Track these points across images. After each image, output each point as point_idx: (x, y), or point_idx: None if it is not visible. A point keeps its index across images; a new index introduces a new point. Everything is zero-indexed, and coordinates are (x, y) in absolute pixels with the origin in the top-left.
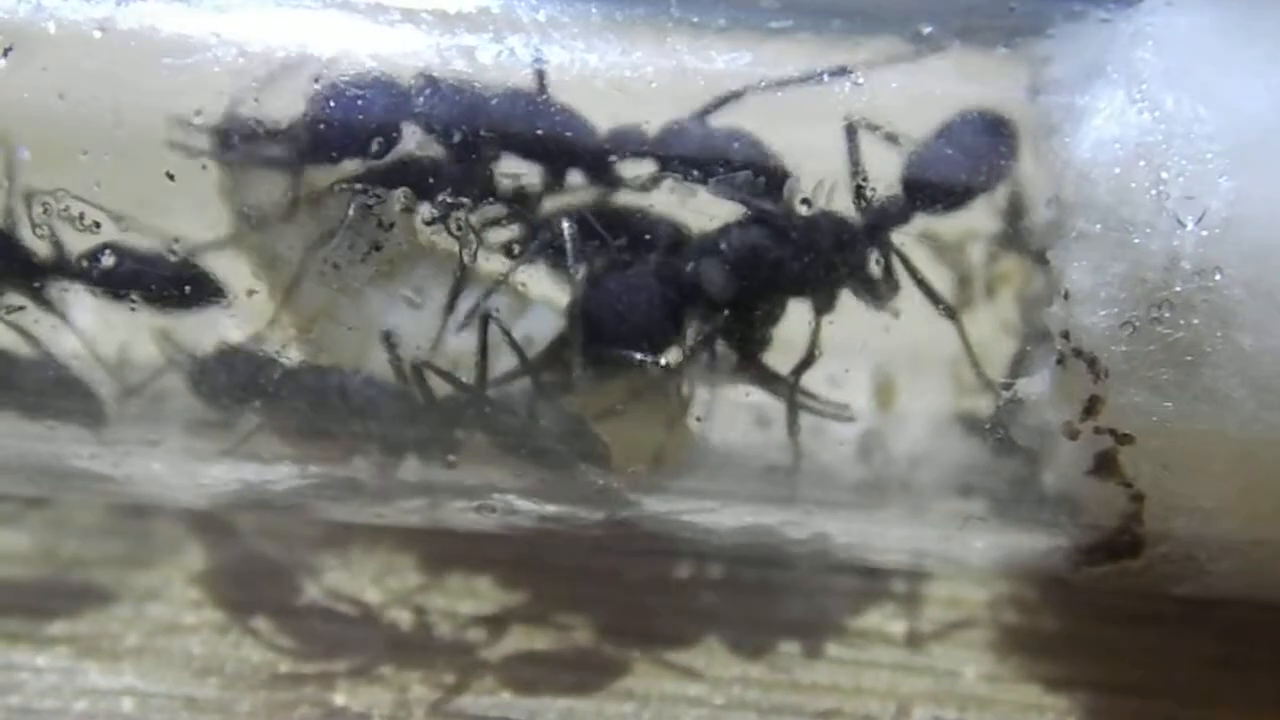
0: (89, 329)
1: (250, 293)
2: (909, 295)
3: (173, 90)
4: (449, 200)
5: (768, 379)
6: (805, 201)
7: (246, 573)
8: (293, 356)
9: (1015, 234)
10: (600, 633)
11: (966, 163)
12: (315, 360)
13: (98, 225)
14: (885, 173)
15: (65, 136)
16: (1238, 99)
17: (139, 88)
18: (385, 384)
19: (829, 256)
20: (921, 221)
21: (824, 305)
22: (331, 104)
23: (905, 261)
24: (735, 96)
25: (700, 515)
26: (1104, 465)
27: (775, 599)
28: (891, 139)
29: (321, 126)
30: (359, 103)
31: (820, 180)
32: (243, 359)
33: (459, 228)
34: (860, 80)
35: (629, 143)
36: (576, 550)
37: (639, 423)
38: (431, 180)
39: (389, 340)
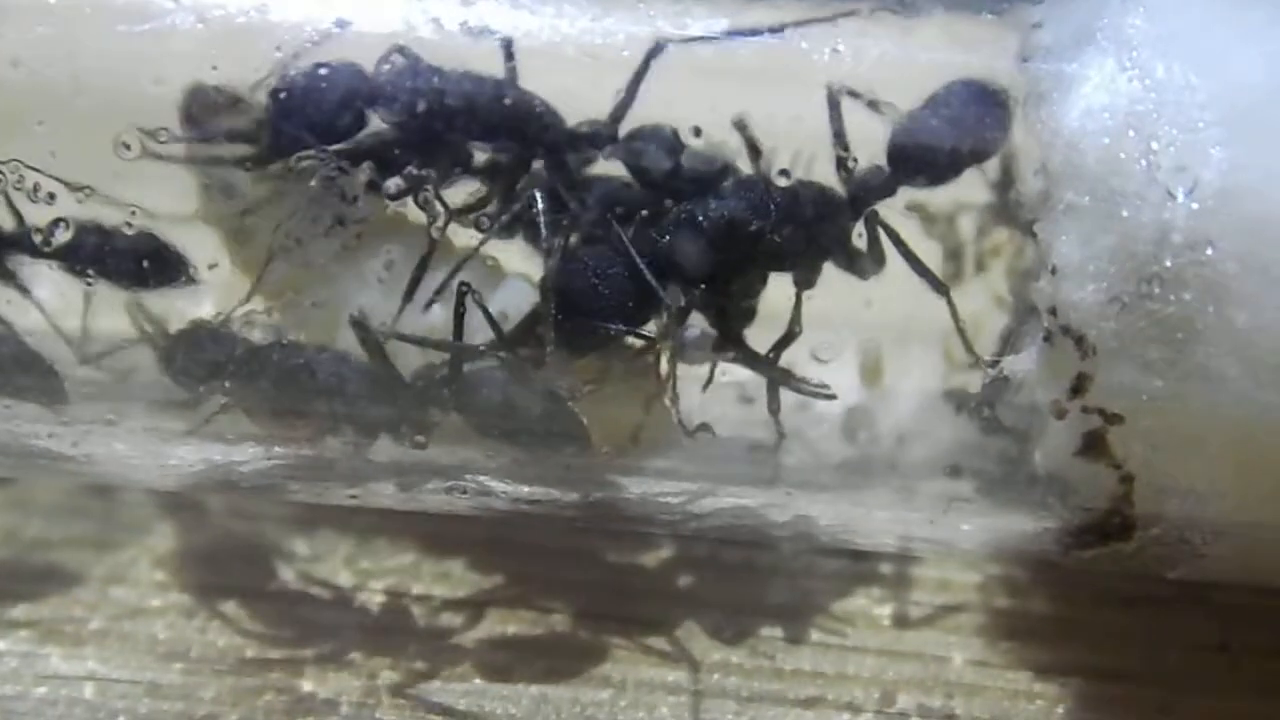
0: (47, 303)
1: (211, 266)
2: (893, 269)
3: (130, 57)
4: (413, 173)
5: (748, 356)
6: (783, 173)
7: (215, 555)
8: (260, 334)
9: (1004, 206)
10: (576, 617)
11: (954, 135)
12: (283, 338)
13: (52, 197)
14: (870, 143)
15: (20, 105)
16: (1231, 66)
17: (96, 54)
18: (356, 362)
19: (809, 229)
20: (908, 193)
21: (805, 280)
22: (297, 78)
23: (891, 234)
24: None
25: (679, 497)
26: (1092, 445)
27: (759, 581)
28: (875, 107)
29: (285, 100)
30: (325, 77)
31: (798, 151)
32: (209, 336)
33: (425, 202)
34: (840, 47)
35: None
36: (553, 532)
37: (616, 401)
38: (397, 154)
39: (360, 317)
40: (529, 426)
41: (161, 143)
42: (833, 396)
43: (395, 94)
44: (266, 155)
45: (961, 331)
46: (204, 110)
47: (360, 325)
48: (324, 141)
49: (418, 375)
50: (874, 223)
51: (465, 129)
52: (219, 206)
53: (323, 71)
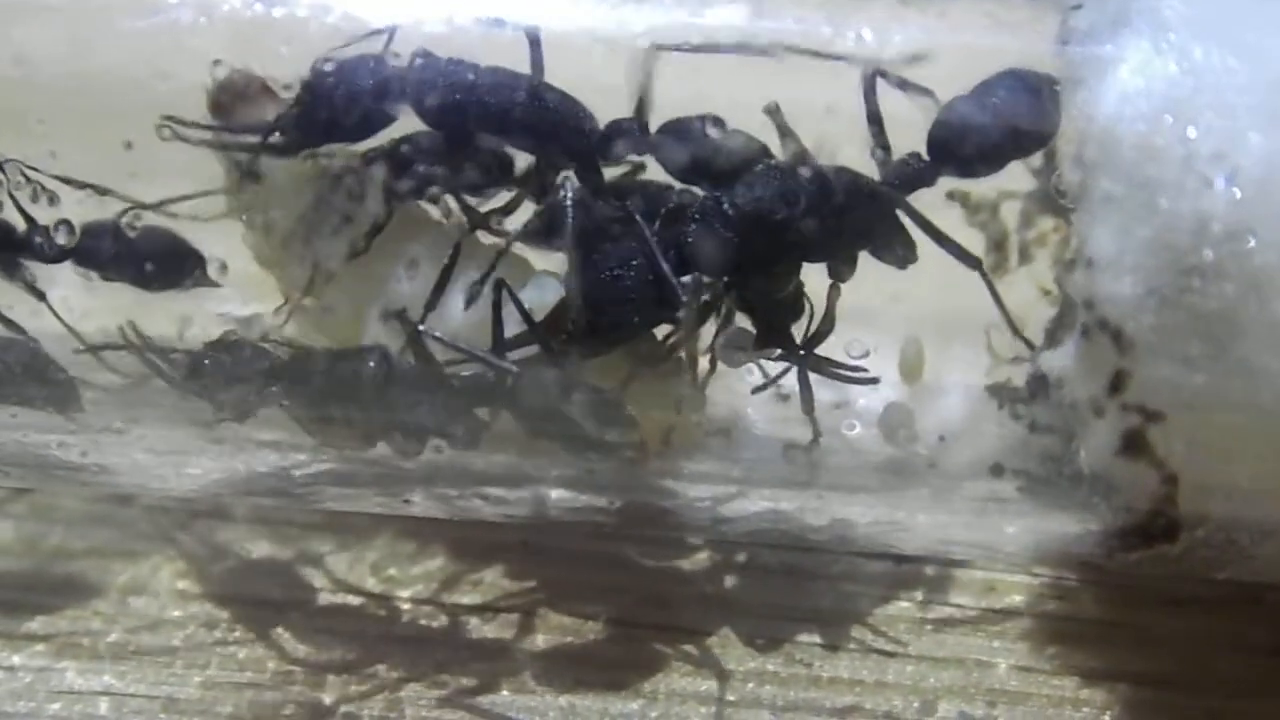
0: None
1: (223, 267)
2: (931, 261)
3: (133, 54)
4: (424, 171)
5: (790, 352)
6: (804, 162)
7: (238, 563)
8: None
9: (1047, 194)
10: (607, 624)
11: (1001, 126)
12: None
13: (54, 197)
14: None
15: (23, 104)
16: (1271, 49)
17: (99, 51)
18: (403, 367)
19: (842, 218)
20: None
21: (840, 271)
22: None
23: (928, 225)
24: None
25: (713, 500)
26: (1133, 444)
27: (797, 585)
28: (911, 92)
29: (314, 90)
30: (355, 69)
31: (820, 140)
32: (228, 347)
33: (432, 199)
34: (868, 33)
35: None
36: (583, 537)
37: (648, 402)
38: (418, 155)
39: (403, 316)
40: (578, 429)
41: (166, 138)
42: (875, 380)
43: (427, 88)
44: (293, 145)
45: (1007, 316)
46: (233, 99)
47: (406, 323)
48: (351, 135)
49: (468, 378)
50: (904, 209)
51: (497, 125)
52: (246, 196)
53: (353, 63)
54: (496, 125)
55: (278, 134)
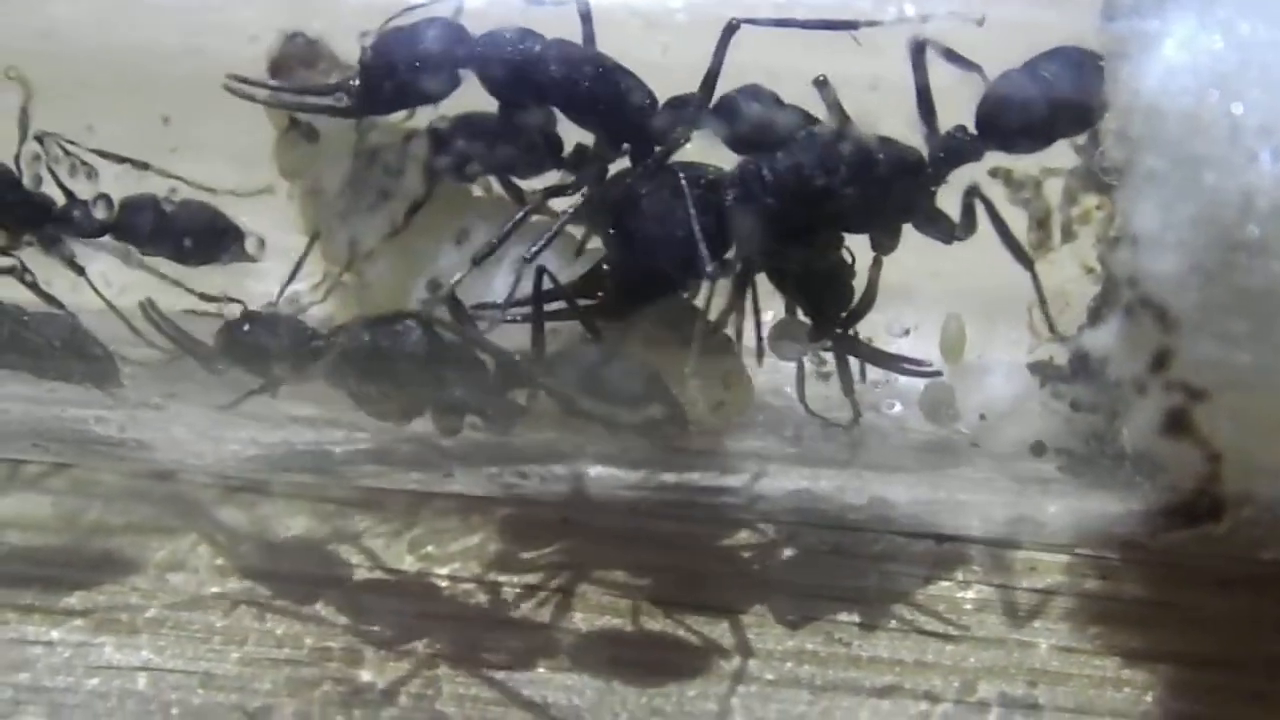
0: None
1: (260, 242)
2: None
3: (160, 26)
4: (464, 149)
5: (841, 338)
6: (841, 135)
7: (276, 539)
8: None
9: (1087, 172)
10: (646, 603)
11: (1052, 102)
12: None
13: (91, 172)
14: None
15: (53, 78)
16: None
17: (127, 25)
18: (450, 343)
19: (885, 188)
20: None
21: (883, 244)
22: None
23: (987, 204)
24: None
25: (755, 477)
26: (1177, 423)
27: (837, 565)
28: (960, 65)
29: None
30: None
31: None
32: (264, 319)
33: (474, 177)
34: (910, 7)
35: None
36: (623, 515)
37: (696, 377)
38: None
39: (450, 291)
40: (621, 403)
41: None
42: (938, 373)
43: (493, 56)
44: (356, 108)
45: (1044, 305)
46: (294, 61)
47: (454, 302)
48: (414, 101)
49: (503, 354)
50: (972, 194)
51: (562, 98)
52: (299, 156)
53: (417, 28)
54: (561, 98)
55: (340, 96)
